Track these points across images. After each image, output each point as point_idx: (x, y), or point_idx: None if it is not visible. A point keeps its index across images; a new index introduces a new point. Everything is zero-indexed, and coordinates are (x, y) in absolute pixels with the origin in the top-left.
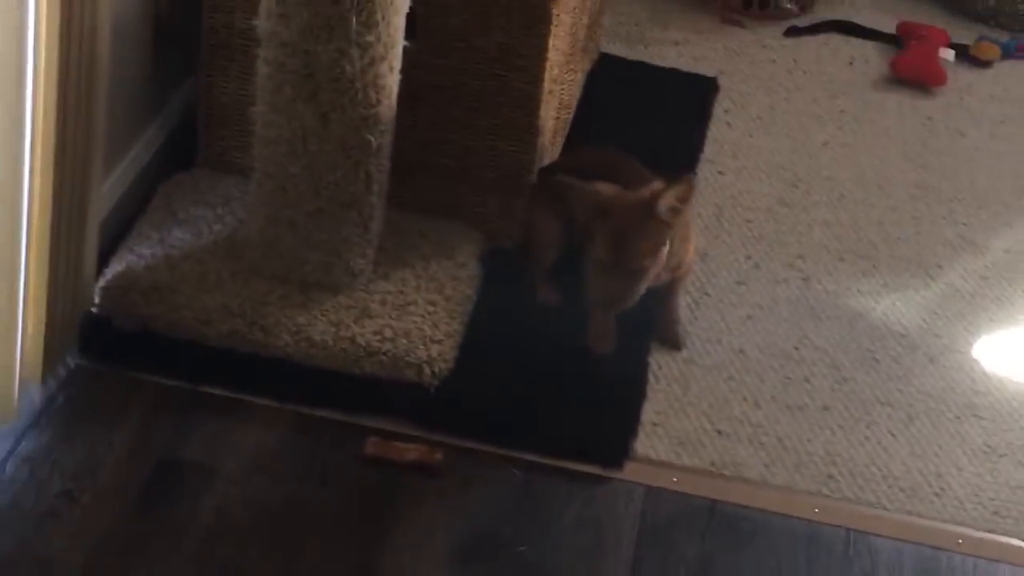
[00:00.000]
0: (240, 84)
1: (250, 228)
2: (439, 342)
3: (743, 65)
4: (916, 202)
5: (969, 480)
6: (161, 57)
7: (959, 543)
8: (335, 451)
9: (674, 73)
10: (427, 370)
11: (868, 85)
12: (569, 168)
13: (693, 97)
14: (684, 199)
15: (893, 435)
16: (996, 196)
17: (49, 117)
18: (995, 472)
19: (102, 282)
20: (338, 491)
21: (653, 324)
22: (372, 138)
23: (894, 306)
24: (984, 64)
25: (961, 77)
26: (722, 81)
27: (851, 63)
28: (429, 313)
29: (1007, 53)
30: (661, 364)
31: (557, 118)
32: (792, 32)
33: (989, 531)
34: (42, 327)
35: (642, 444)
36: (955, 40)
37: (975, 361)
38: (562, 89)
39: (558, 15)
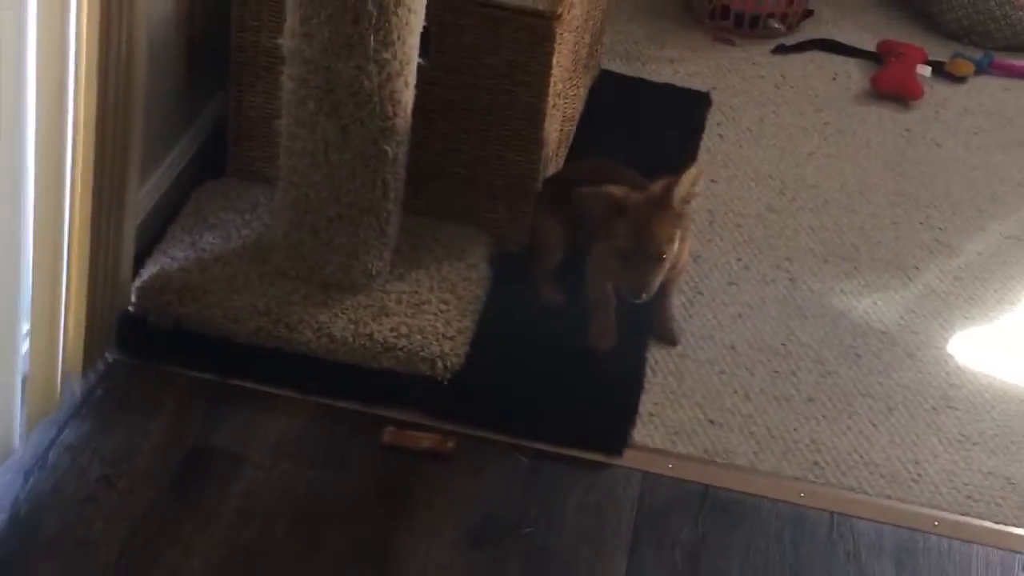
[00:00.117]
0: (266, 99)
1: (275, 232)
2: (451, 338)
3: (734, 81)
4: (895, 208)
5: (944, 467)
6: (193, 74)
7: (935, 525)
8: (354, 440)
9: (670, 88)
10: (440, 364)
11: (850, 99)
12: (571, 178)
13: (687, 111)
14: (695, 182)
15: (874, 425)
16: (970, 202)
17: (89, 129)
18: (968, 459)
19: (138, 282)
20: (357, 477)
21: (650, 321)
22: (389, 148)
23: (875, 305)
24: (959, 80)
25: (937, 92)
26: (714, 96)
27: (834, 79)
28: (442, 311)
29: (980, 69)
30: (658, 359)
31: (561, 130)
32: (780, 50)
33: (963, 514)
34: (83, 324)
35: (640, 433)
36: (932, 57)
37: (950, 356)
38: (566, 103)
39: (562, 34)
